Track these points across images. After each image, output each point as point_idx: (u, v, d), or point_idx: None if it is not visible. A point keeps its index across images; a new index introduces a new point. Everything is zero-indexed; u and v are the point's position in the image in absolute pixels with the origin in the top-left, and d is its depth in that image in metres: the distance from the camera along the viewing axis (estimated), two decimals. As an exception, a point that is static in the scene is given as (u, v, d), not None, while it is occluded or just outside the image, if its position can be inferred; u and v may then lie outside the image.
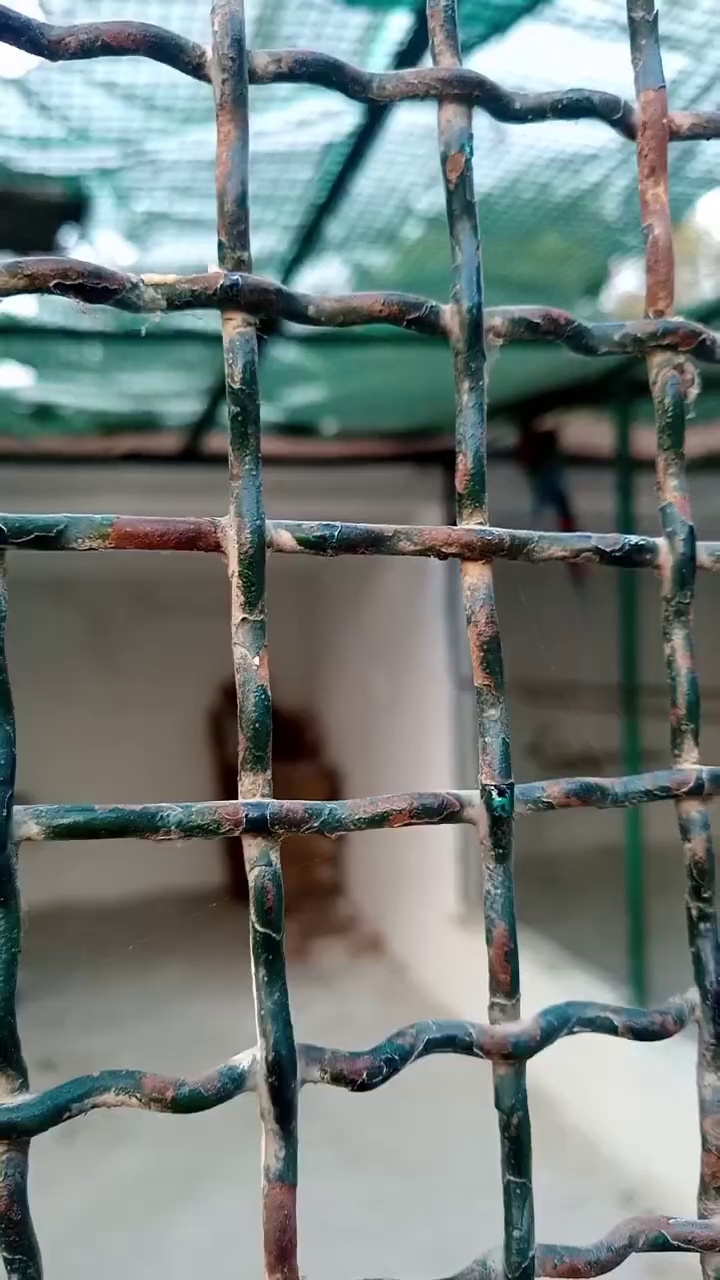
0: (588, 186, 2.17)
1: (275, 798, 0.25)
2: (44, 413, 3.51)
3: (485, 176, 2.11)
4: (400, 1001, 4.88)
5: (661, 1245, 0.31)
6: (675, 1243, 0.31)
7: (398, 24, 1.72)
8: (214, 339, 2.74)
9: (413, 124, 1.94)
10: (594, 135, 2.01)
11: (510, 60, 1.78)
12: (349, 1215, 3.02)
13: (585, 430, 3.96)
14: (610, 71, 1.84)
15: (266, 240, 2.36)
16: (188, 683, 7.25)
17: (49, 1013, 4.91)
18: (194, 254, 2.39)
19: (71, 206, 2.08)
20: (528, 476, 3.85)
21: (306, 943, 5.58)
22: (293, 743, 6.99)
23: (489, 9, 1.68)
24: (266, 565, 0.25)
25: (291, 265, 2.45)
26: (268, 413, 3.73)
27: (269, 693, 0.25)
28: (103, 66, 1.75)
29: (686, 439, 0.27)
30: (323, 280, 2.58)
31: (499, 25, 1.72)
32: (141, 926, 6.39)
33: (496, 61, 1.79)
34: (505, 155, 2.05)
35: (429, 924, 4.98)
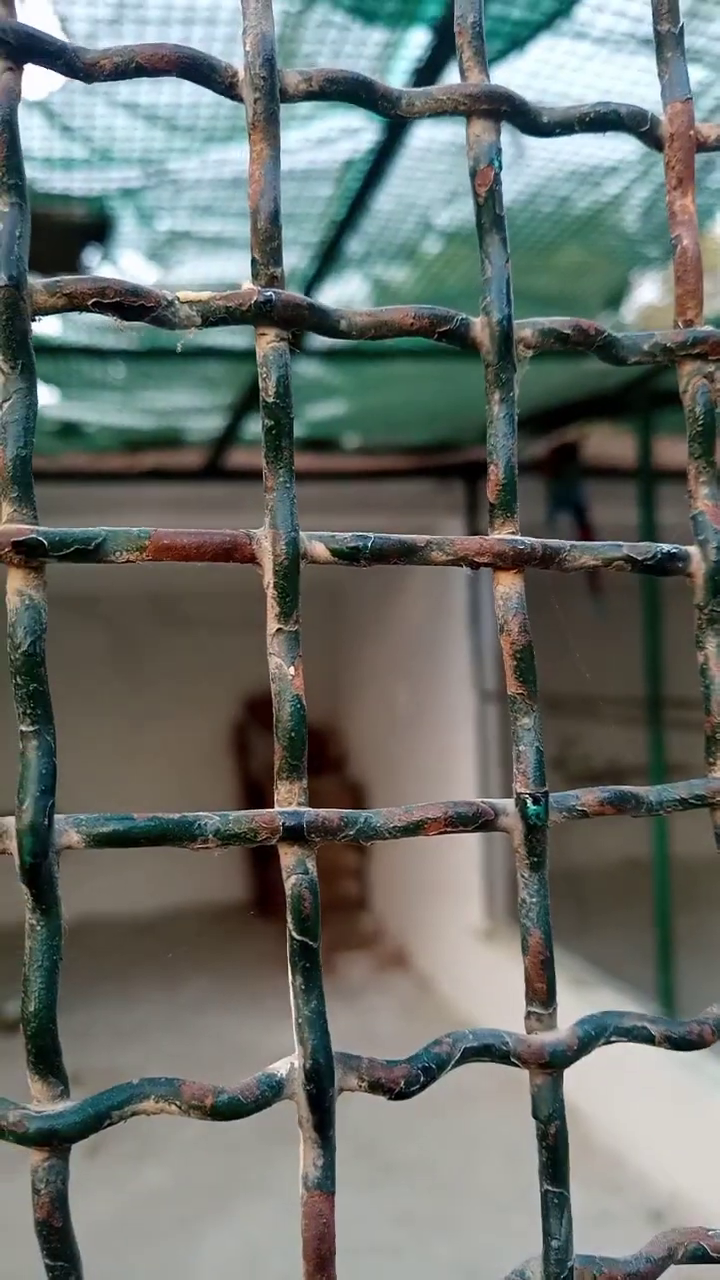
0: (607, 199, 2.18)
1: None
2: (69, 430, 3.55)
3: (505, 190, 2.12)
4: (425, 1016, 4.86)
5: (700, 1257, 0.31)
6: (715, 1255, 0.31)
7: (416, 40, 1.73)
8: (235, 355, 2.76)
9: (431, 139, 1.95)
10: (613, 148, 2.02)
11: (528, 75, 1.79)
12: (376, 1231, 3.01)
13: (605, 442, 3.95)
14: (629, 84, 1.85)
15: (288, 257, 2.37)
16: (211, 696, 7.28)
17: (75, 1026, 4.92)
18: (215, 272, 2.41)
19: (95, 227, 2.11)
20: (548, 487, 3.84)
21: (331, 956, 5.57)
22: (316, 756, 6.99)
23: (508, 24, 1.69)
24: (300, 577, 0.25)
25: (312, 281, 2.46)
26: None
27: (304, 702, 0.25)
28: (125, 88, 1.78)
29: (717, 447, 0.27)
30: (343, 296, 2.59)
31: (518, 40, 1.73)
32: (167, 940, 6.39)
33: (515, 76, 1.80)
34: (525, 169, 2.06)
35: (454, 938, 4.95)
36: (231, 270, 2.39)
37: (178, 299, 0.24)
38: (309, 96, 0.26)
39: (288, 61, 1.77)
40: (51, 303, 0.24)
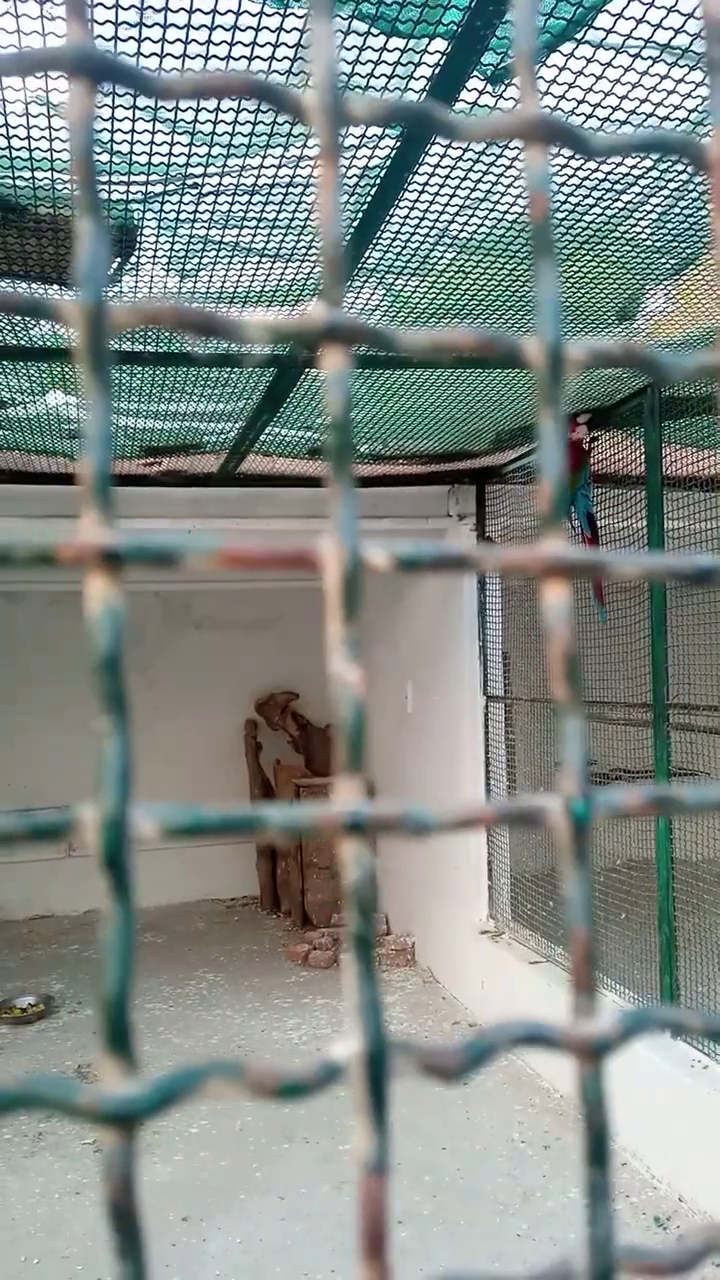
0: (620, 207, 2.19)
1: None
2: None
3: (519, 199, 2.13)
4: (431, 1014, 4.87)
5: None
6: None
7: (434, 46, 1.74)
8: (253, 362, 2.78)
9: (446, 150, 1.96)
10: (627, 158, 2.02)
11: (547, 83, 1.81)
12: (380, 1232, 3.01)
13: (612, 448, 3.95)
14: (649, 91, 1.86)
15: (309, 266, 2.39)
16: (222, 694, 7.29)
17: (83, 1021, 4.94)
18: (233, 279, 2.42)
19: (118, 233, 2.12)
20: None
21: (339, 954, 5.58)
22: (327, 756, 7.00)
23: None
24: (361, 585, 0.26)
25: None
26: (307, 435, 3.76)
27: (363, 704, 0.27)
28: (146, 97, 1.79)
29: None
30: (358, 303, 2.61)
31: (537, 50, 1.74)
32: (176, 936, 6.41)
33: (538, 84, 1.81)
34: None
35: (459, 938, 4.97)
36: (247, 278, 2.40)
37: (250, 324, 0.26)
38: (373, 123, 0.28)
39: (311, 73, 1.79)
40: (131, 322, 0.25)
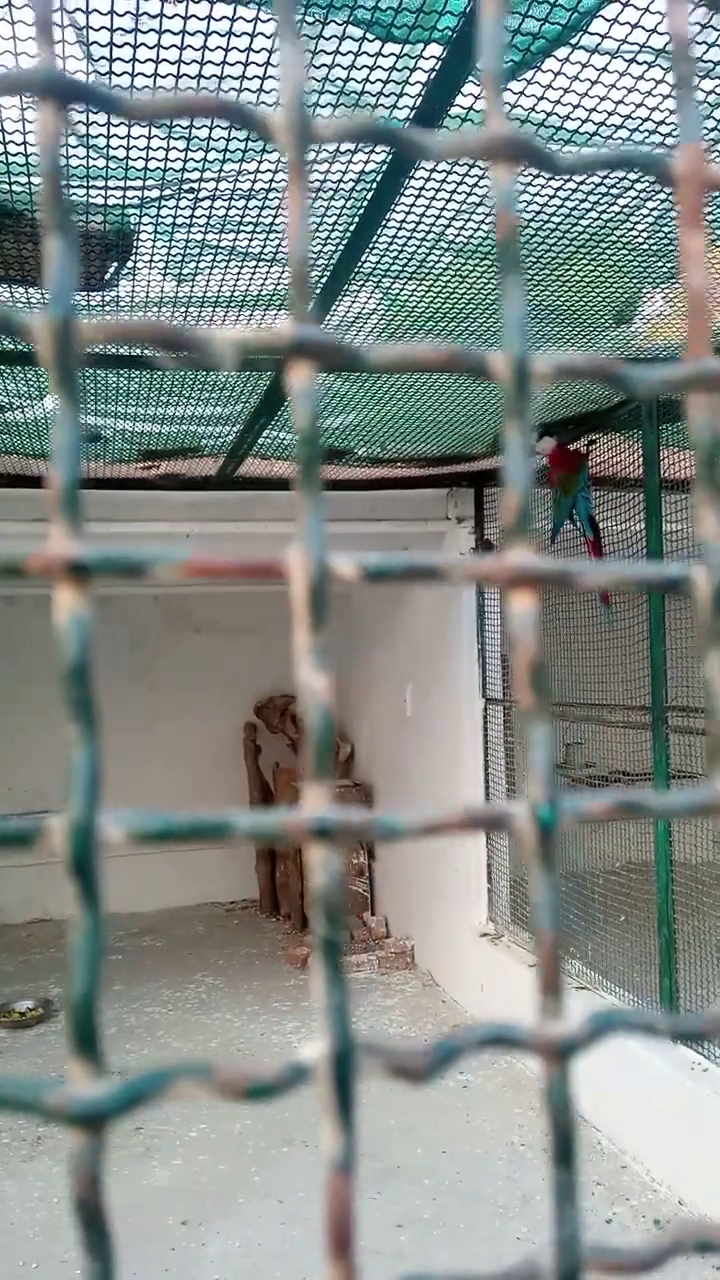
0: (616, 211, 2.20)
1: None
2: (88, 439, 3.58)
3: (515, 205, 2.14)
4: (431, 1016, 4.87)
5: (708, 1248, 0.33)
6: (717, 1245, 0.33)
7: (430, 52, 1.75)
8: (250, 367, 2.79)
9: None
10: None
11: (543, 88, 1.81)
12: (378, 1234, 3.02)
13: (611, 452, 3.96)
14: (645, 96, 1.86)
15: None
16: (222, 697, 7.30)
17: (81, 1028, 4.92)
18: (230, 284, 2.42)
19: (115, 238, 2.13)
20: (555, 498, 3.86)
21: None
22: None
23: (522, 37, 1.71)
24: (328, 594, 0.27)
25: (326, 294, 2.48)
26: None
27: (331, 711, 0.27)
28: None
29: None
30: (354, 308, 2.61)
31: (533, 54, 1.75)
32: (175, 940, 6.41)
33: (531, 89, 1.82)
34: (533, 182, 2.08)
35: (458, 940, 4.97)
36: (244, 282, 2.41)
37: (218, 338, 0.26)
38: (338, 141, 0.28)
39: (308, 74, 1.80)
40: (100, 337, 0.25)
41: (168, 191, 2.06)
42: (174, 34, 1.65)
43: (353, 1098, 0.26)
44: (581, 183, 2.09)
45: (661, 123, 1.95)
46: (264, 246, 2.26)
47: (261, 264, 2.35)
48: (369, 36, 1.78)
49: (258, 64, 1.74)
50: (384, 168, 1.99)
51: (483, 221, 2.21)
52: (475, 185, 2.06)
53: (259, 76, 1.77)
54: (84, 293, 2.48)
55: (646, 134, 1.99)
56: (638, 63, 1.82)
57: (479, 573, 0.28)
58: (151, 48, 1.68)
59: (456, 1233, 3.05)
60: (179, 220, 2.14)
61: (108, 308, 2.57)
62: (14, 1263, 2.94)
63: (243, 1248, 3.00)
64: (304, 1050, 0.26)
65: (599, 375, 0.28)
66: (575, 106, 1.90)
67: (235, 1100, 0.25)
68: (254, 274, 2.38)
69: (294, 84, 0.28)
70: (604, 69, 1.81)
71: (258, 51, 1.69)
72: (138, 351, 2.72)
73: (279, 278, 2.44)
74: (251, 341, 0.26)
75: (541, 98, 1.87)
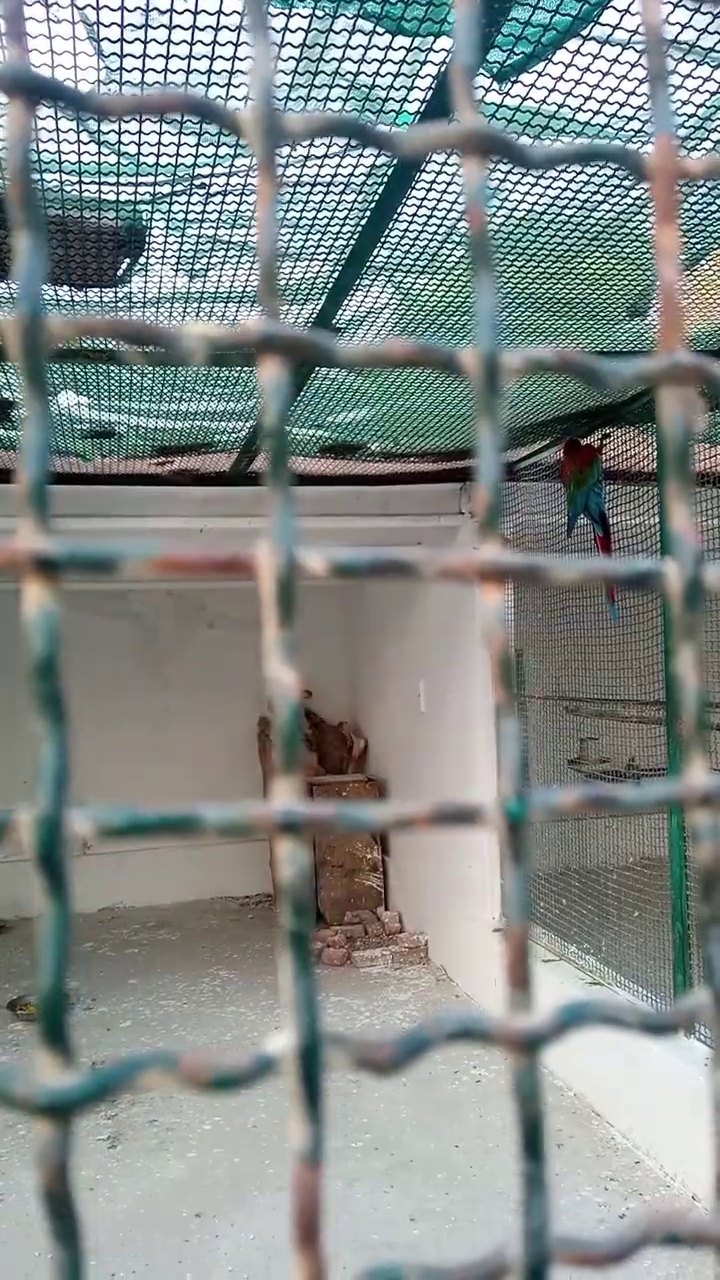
0: (629, 203, 2.18)
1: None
2: (101, 435, 3.60)
3: (528, 195, 2.13)
4: (444, 1010, 4.87)
5: (674, 1240, 0.33)
6: (689, 1240, 0.33)
7: (440, 45, 1.75)
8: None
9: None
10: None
11: (554, 79, 1.80)
12: (392, 1228, 3.02)
13: (624, 446, 3.94)
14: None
15: (318, 266, 2.40)
16: (235, 692, 7.32)
17: (97, 1018, 4.97)
18: (242, 279, 2.43)
19: (127, 233, 2.14)
20: (569, 493, 3.85)
21: (352, 951, 5.59)
22: (340, 754, 7.01)
23: (533, 28, 1.70)
24: (298, 589, 0.27)
25: (338, 289, 2.48)
26: (318, 434, 3.77)
27: (298, 705, 0.27)
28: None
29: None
30: (368, 301, 2.61)
31: (543, 46, 1.74)
32: (191, 933, 6.44)
33: (543, 80, 1.81)
34: (547, 175, 2.07)
35: (472, 935, 4.97)
36: (256, 277, 2.41)
37: (188, 334, 0.26)
38: (311, 137, 0.28)
39: (317, 66, 1.80)
40: (68, 334, 0.26)
41: (179, 187, 2.06)
42: (184, 29, 1.66)
43: (320, 1089, 0.27)
44: (594, 175, 2.08)
45: (673, 113, 1.94)
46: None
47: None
48: (379, 30, 1.78)
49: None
50: (394, 161, 1.98)
51: (495, 213, 2.20)
52: (490, 172, 2.06)
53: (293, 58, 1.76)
54: (96, 289, 2.48)
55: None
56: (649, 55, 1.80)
57: (448, 568, 0.28)
58: (162, 43, 1.68)
59: (469, 1226, 3.06)
60: (190, 216, 2.15)
61: (120, 304, 2.58)
62: (30, 1254, 2.97)
63: (256, 1240, 3.01)
64: (271, 1042, 0.26)
65: (570, 369, 0.28)
66: (586, 98, 1.89)
67: (201, 1091, 0.26)
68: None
69: (263, 81, 0.28)
70: (615, 60, 1.80)
71: (294, 31, 1.69)
72: (148, 349, 2.72)
73: (289, 271, 2.44)
74: (220, 337, 0.27)
75: (553, 90, 1.86)
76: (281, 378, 0.27)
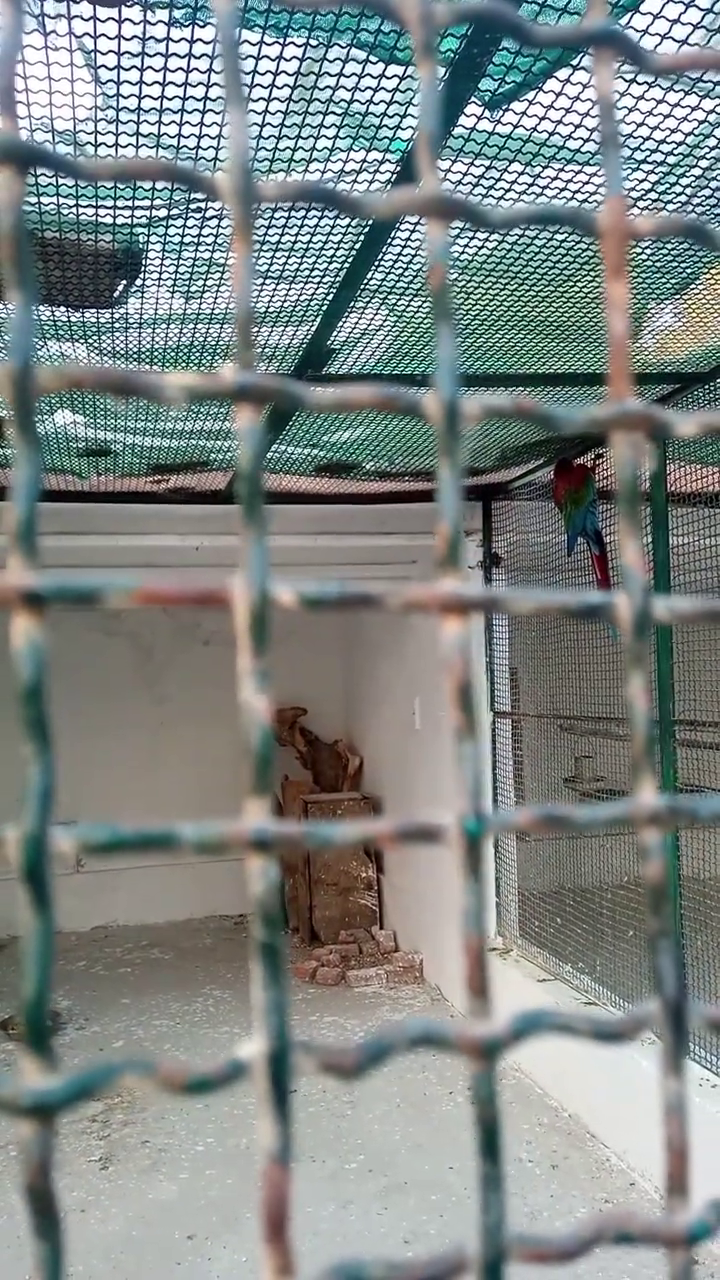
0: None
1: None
2: (98, 453, 3.62)
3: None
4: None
5: (628, 1239, 0.34)
6: (641, 1238, 0.34)
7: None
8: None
9: (445, 175, 2.00)
10: (624, 177, 2.06)
11: (544, 108, 1.84)
12: (386, 1248, 3.01)
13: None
14: (645, 115, 1.89)
15: (313, 289, 2.43)
16: (231, 708, 7.31)
17: (90, 1038, 4.95)
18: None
19: (123, 256, 2.17)
20: (564, 513, 3.88)
21: (346, 970, 5.58)
22: (335, 772, 7.01)
23: (524, 58, 1.74)
24: (270, 621, 0.29)
25: (333, 312, 2.51)
26: (313, 453, 3.80)
27: (269, 730, 0.29)
28: (149, 120, 1.84)
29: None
30: (362, 324, 2.64)
31: (533, 75, 1.78)
32: (185, 952, 6.42)
33: (532, 109, 1.84)
34: (538, 198, 2.10)
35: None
36: (260, 302, 2.44)
37: (168, 383, 0.28)
38: (282, 201, 0.30)
39: (311, 94, 1.83)
40: (56, 384, 0.28)
41: (175, 210, 2.10)
42: (180, 57, 1.69)
43: (288, 1093, 0.28)
44: (585, 200, 2.11)
45: (663, 141, 1.97)
46: (270, 264, 2.30)
47: (269, 281, 2.38)
48: (372, 59, 1.81)
49: (262, 85, 1.77)
50: (389, 185, 2.02)
51: (487, 239, 2.23)
52: (482, 198, 2.09)
53: (263, 99, 1.80)
54: (93, 310, 2.51)
55: (649, 152, 2.01)
56: (638, 82, 1.84)
57: (411, 601, 0.30)
58: (158, 70, 1.71)
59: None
60: (187, 239, 2.18)
61: (117, 324, 2.61)
62: (20, 1276, 2.96)
63: (249, 1262, 3.00)
64: (243, 1047, 0.28)
65: (525, 415, 0.30)
66: (577, 126, 1.92)
67: (176, 1094, 0.27)
68: (260, 291, 2.42)
69: (239, 147, 0.30)
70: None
71: (262, 74, 1.72)
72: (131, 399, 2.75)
73: (285, 294, 2.47)
74: (199, 386, 0.29)
75: (544, 118, 1.90)
76: (256, 424, 0.29)
